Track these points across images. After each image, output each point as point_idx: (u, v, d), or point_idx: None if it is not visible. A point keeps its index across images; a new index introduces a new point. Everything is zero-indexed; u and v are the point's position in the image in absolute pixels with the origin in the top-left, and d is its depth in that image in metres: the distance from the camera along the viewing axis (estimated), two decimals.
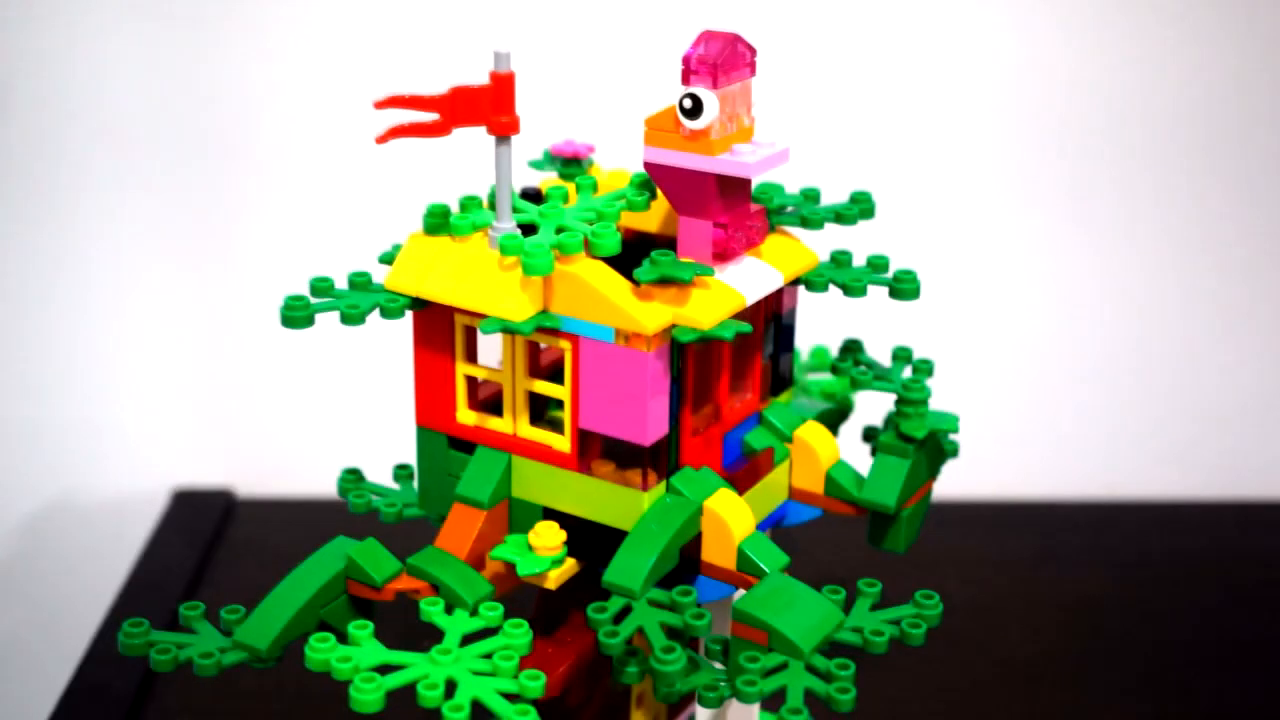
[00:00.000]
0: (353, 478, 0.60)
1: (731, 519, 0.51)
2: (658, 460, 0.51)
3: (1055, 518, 0.86)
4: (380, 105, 0.48)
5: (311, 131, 0.83)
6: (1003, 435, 0.89)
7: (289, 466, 0.88)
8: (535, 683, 0.46)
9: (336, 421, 0.88)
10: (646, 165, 0.51)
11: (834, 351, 0.64)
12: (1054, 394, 0.90)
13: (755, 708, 0.59)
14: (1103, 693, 0.69)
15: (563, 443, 0.52)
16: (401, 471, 0.61)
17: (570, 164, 0.58)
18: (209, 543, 0.81)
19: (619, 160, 0.60)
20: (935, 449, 0.58)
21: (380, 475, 0.62)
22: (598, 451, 0.51)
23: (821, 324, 0.70)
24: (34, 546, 0.87)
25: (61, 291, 0.85)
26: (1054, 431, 0.91)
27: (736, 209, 0.51)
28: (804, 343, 0.65)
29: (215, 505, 0.85)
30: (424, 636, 0.48)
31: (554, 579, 0.52)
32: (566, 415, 0.51)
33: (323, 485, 0.76)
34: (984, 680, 0.69)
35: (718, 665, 0.50)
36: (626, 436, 0.50)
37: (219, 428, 0.89)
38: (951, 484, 0.74)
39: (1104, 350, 0.90)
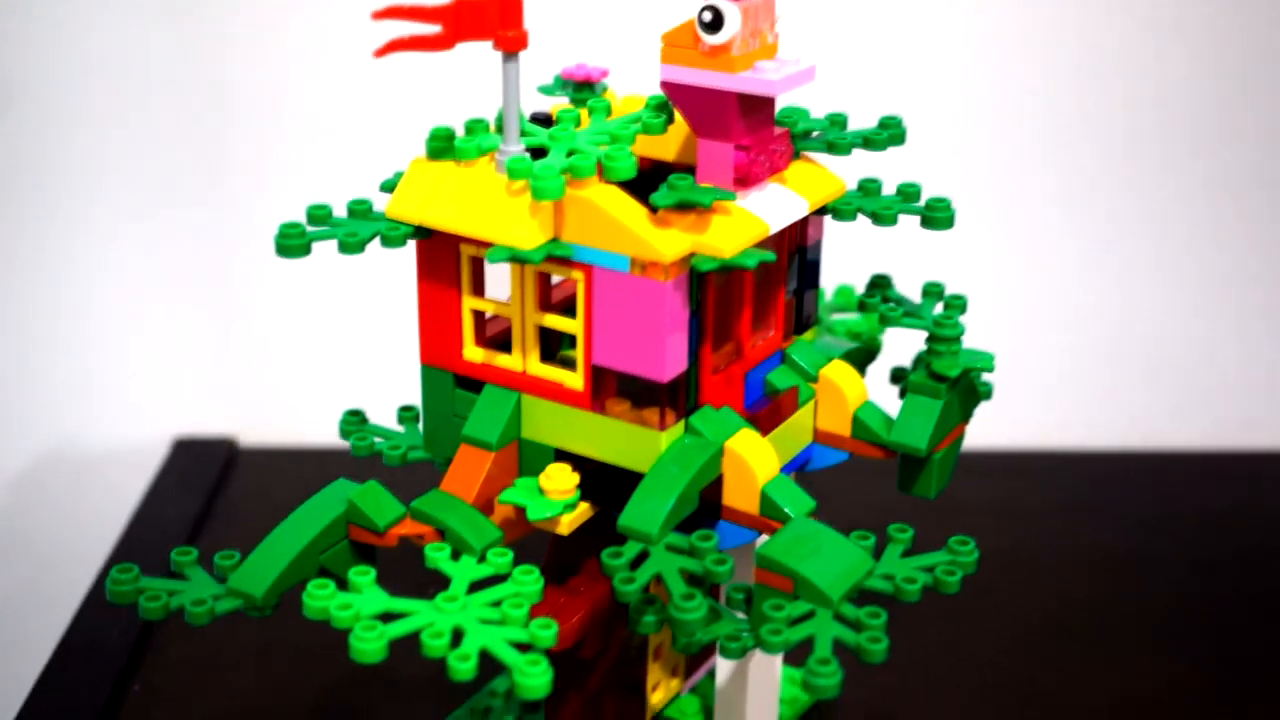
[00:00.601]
0: (355, 420, 0.58)
1: (754, 460, 0.48)
2: (676, 398, 0.48)
3: (1086, 468, 0.84)
4: (378, 16, 0.45)
5: (308, 55, 0.80)
6: (1034, 381, 0.86)
7: (292, 415, 0.85)
8: (547, 631, 0.43)
9: (341, 366, 0.86)
10: (664, 85, 0.48)
11: (860, 290, 0.61)
12: (1087, 339, 0.88)
13: (778, 661, 0.57)
14: (1133, 645, 0.66)
15: (575, 380, 0.49)
16: (406, 413, 0.58)
17: (582, 89, 0.55)
18: (210, 493, 0.79)
19: (634, 85, 0.57)
20: (968, 390, 0.55)
21: (385, 419, 0.59)
22: (612, 389, 0.49)
23: (847, 263, 0.67)
24: (31, 497, 0.85)
25: (59, 238, 0.83)
26: (1087, 378, 0.88)
27: (759, 131, 0.49)
28: (829, 282, 0.62)
29: (217, 454, 0.83)
30: (429, 585, 0.46)
31: (566, 524, 0.49)
32: (579, 351, 0.49)
33: (327, 434, 0.74)
34: (1013, 633, 0.67)
35: (740, 615, 0.48)
36: (643, 373, 0.47)
37: (221, 375, 0.87)
38: (981, 433, 0.71)
39: (1142, 296, 0.87)
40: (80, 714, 0.59)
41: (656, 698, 0.59)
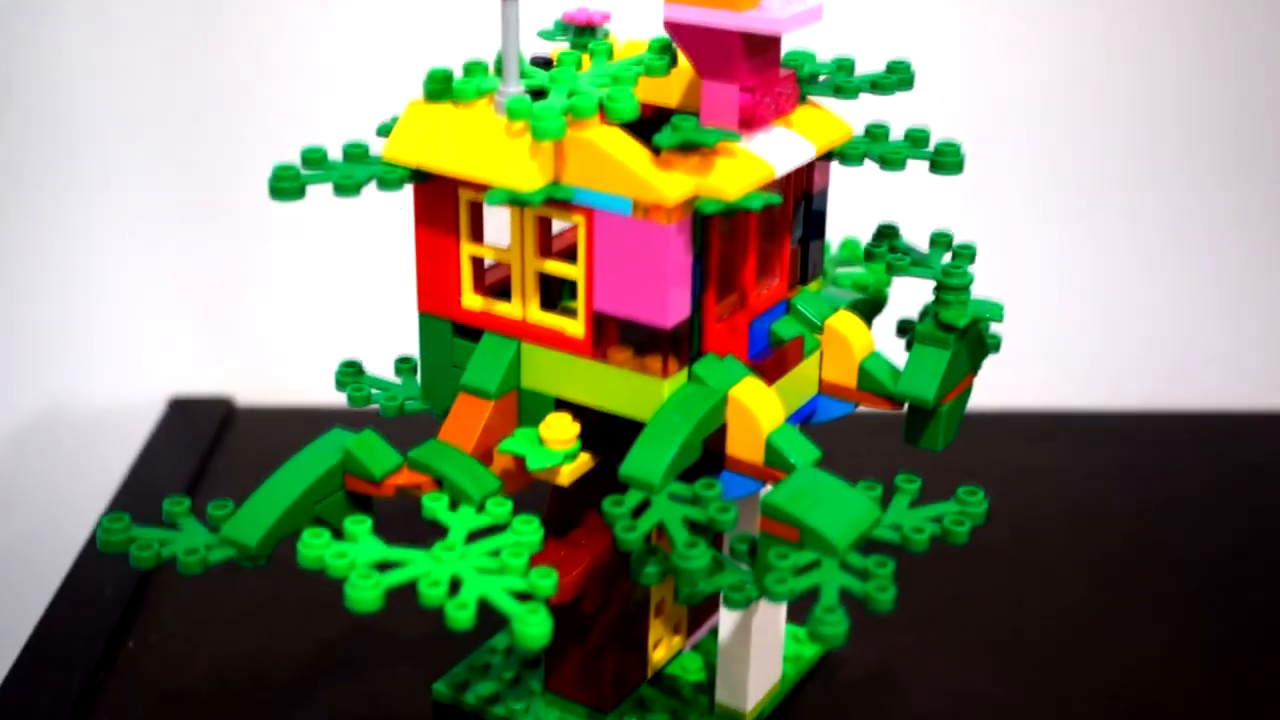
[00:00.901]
0: (351, 370, 0.57)
1: (759, 409, 0.48)
2: (679, 346, 0.47)
3: (1094, 428, 0.83)
4: None
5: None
6: (1042, 338, 0.85)
7: (290, 373, 0.85)
8: (546, 580, 0.43)
9: (339, 323, 0.85)
10: (667, 24, 0.47)
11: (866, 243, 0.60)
12: (1099, 294, 0.87)
13: (782, 616, 0.57)
14: (1143, 606, 0.65)
15: (576, 327, 0.48)
16: (403, 365, 0.57)
17: (583, 32, 0.54)
18: (206, 452, 0.78)
19: (636, 30, 0.56)
20: (976, 341, 0.54)
21: (383, 373, 0.58)
22: (614, 337, 0.48)
23: (852, 217, 0.66)
24: (24, 455, 0.84)
25: (52, 194, 0.82)
26: (1096, 336, 0.87)
27: (764, 73, 0.48)
28: (834, 236, 0.61)
29: (213, 413, 0.82)
30: (426, 539, 0.45)
31: (567, 474, 0.49)
32: (580, 297, 0.48)
33: (326, 393, 0.73)
34: (1018, 592, 0.66)
35: (743, 566, 0.47)
36: (645, 319, 0.47)
37: (217, 333, 0.86)
38: (985, 393, 0.70)
39: (1156, 248, 0.85)
40: (75, 669, 0.59)
41: (658, 654, 0.58)
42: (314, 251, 0.84)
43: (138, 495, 0.73)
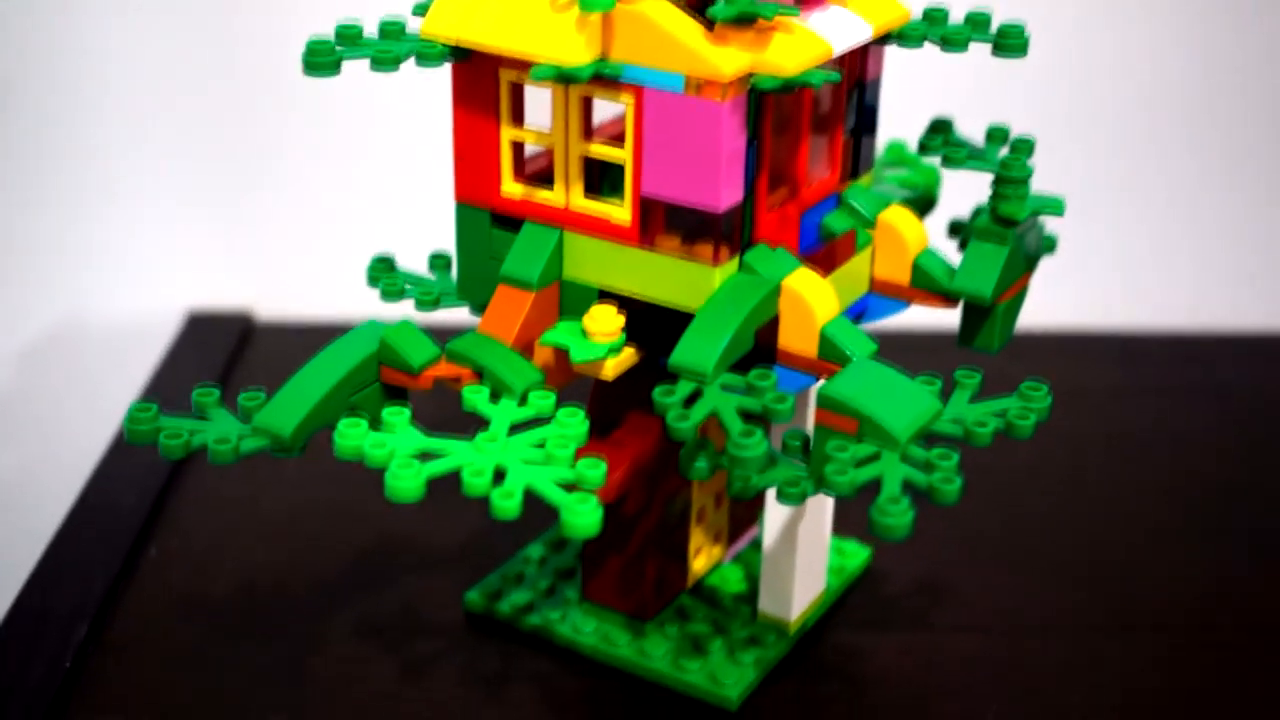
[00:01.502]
0: (383, 265, 0.55)
1: (814, 299, 0.46)
2: (731, 232, 0.46)
3: (1136, 349, 0.81)
4: None
5: None
6: (1090, 252, 0.83)
7: (312, 287, 0.83)
8: (595, 471, 0.41)
9: (362, 234, 0.83)
10: None
11: (912, 146, 0.58)
12: (1152, 208, 0.84)
13: (828, 523, 0.55)
14: (1191, 526, 0.64)
15: (622, 213, 0.46)
16: (438, 260, 0.56)
17: None
18: (224, 368, 0.77)
19: None
20: (1034, 238, 0.52)
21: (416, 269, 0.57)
22: (662, 223, 0.46)
23: (899, 121, 0.64)
24: (42, 369, 0.83)
25: (69, 107, 0.80)
26: (1142, 250, 0.85)
27: None
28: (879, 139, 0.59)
29: (232, 328, 0.81)
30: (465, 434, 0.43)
31: (611, 368, 0.47)
32: (627, 182, 0.46)
33: (349, 307, 0.72)
34: (1067, 509, 0.65)
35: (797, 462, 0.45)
36: (696, 202, 0.45)
37: (236, 244, 0.84)
38: (1041, 309, 0.69)
39: (1217, 154, 0.83)
40: (95, 577, 0.58)
41: (698, 564, 0.57)
42: (335, 160, 0.82)
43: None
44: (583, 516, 0.40)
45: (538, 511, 0.61)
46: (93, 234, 0.82)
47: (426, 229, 0.66)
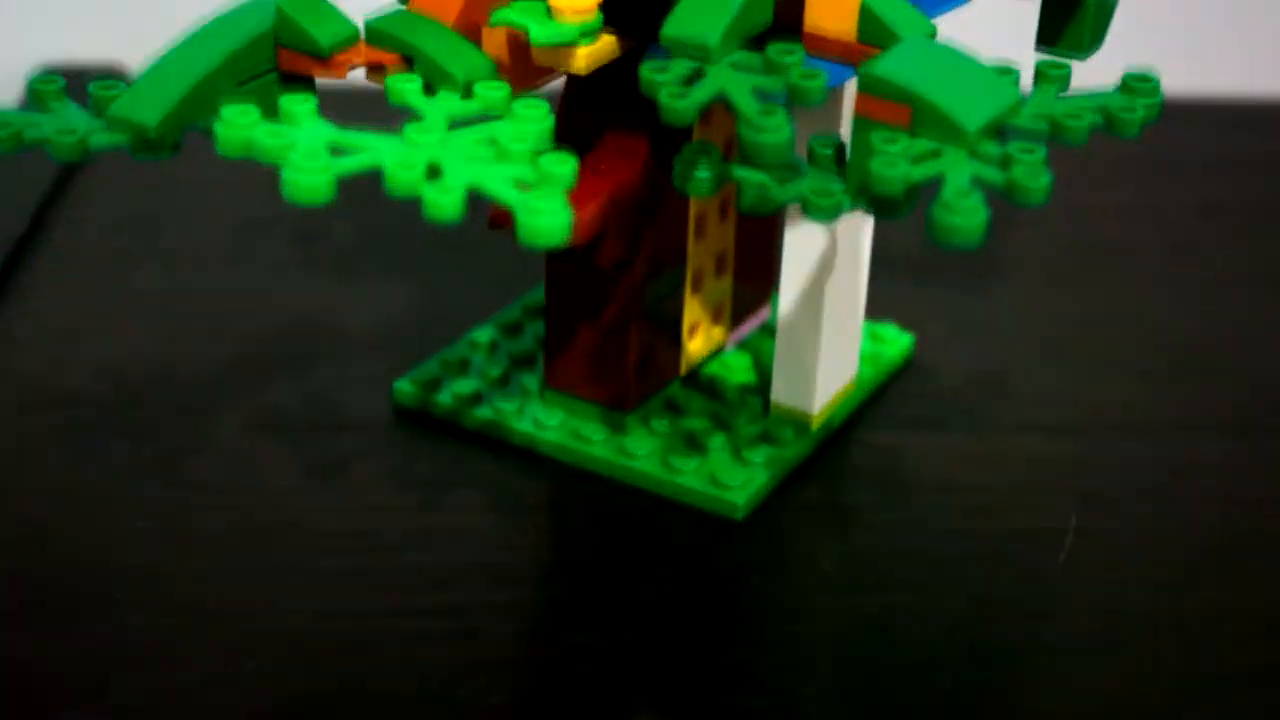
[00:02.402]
0: None
1: None
2: None
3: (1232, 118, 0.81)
4: None
5: None
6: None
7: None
8: (564, 166, 0.37)
9: None
10: None
11: None
12: None
13: (862, 288, 0.52)
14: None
15: None
16: None
17: None
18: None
19: None
20: None
21: None
22: None
23: None
24: None
25: None
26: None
27: None
28: None
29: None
30: None
31: (584, 57, 0.44)
32: None
33: None
34: (1143, 301, 0.63)
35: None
36: None
37: None
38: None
39: None
40: None
41: (695, 345, 0.53)
42: None
43: None
44: (546, 217, 0.36)
45: (489, 291, 0.58)
46: None
47: None
